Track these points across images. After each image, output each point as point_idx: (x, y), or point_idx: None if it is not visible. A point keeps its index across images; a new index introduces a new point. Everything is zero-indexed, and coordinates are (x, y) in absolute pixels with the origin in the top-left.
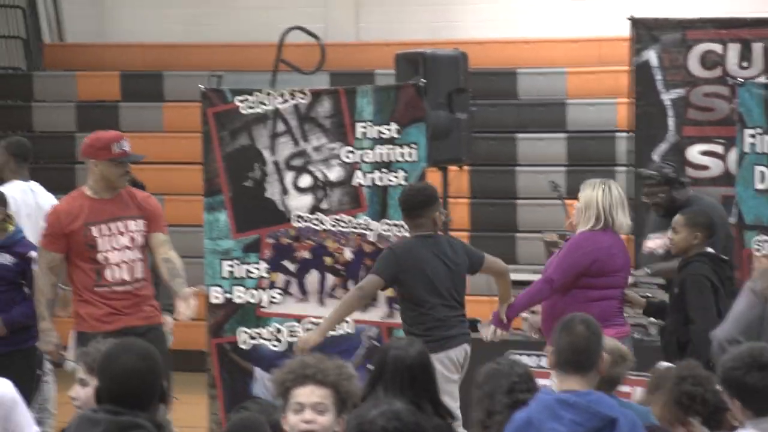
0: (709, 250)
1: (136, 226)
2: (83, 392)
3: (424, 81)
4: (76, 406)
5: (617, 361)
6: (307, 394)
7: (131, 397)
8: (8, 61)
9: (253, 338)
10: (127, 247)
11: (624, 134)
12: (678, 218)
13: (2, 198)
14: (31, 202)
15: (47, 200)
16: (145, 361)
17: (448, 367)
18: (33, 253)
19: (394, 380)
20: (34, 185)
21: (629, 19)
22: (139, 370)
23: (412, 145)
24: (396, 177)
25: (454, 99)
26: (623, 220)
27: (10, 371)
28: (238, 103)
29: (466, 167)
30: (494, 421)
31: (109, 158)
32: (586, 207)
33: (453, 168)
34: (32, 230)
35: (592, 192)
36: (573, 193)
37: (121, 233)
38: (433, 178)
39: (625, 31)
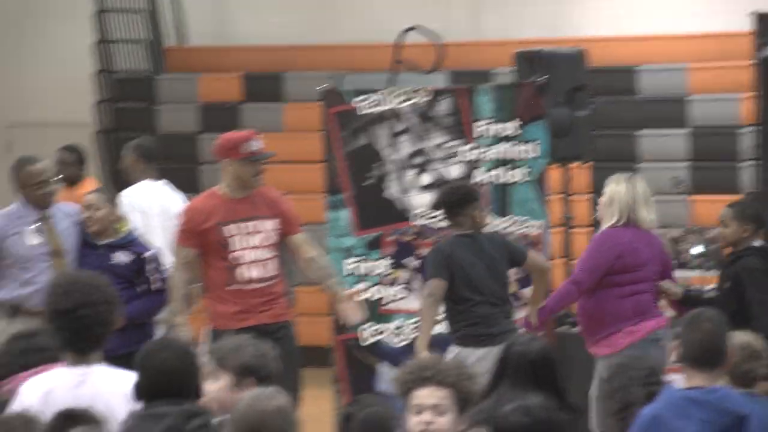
0: (759, 243)
1: (268, 225)
2: (213, 387)
3: (545, 78)
4: (205, 401)
5: (751, 356)
6: (426, 395)
7: (172, 393)
8: (132, 64)
9: (376, 334)
10: (260, 247)
11: (747, 129)
12: (727, 211)
13: (113, 199)
14: (160, 201)
15: (176, 199)
16: (183, 357)
17: (486, 364)
18: (148, 253)
19: (518, 376)
20: (163, 184)
21: (752, 13)
22: (178, 366)
23: (533, 143)
24: (517, 174)
25: (574, 96)
26: (646, 215)
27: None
28: (358, 103)
29: (587, 164)
30: (631, 412)
31: (240, 158)
32: (609, 202)
33: (574, 165)
34: (161, 229)
35: (616, 187)
36: (697, 189)
37: (255, 232)
38: (554, 174)
39: (747, 25)
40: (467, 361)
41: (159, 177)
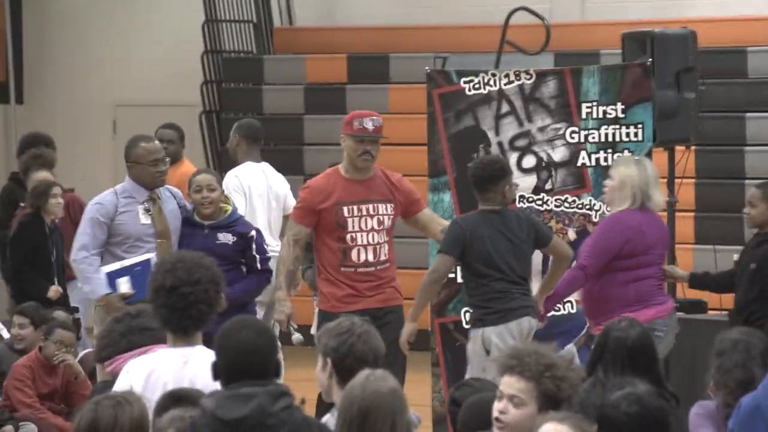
0: None
1: (385, 209)
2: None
3: (651, 60)
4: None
5: None
6: (507, 384)
7: (253, 370)
8: (240, 45)
9: None
10: (375, 230)
11: None
12: (754, 192)
13: (217, 179)
14: (262, 183)
15: (278, 181)
16: (262, 336)
17: (505, 340)
18: (252, 233)
19: (615, 362)
20: (265, 166)
21: None
22: (258, 345)
23: (638, 125)
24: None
25: (682, 78)
26: (659, 197)
27: None
28: (463, 85)
29: (692, 147)
30: (749, 390)
31: (350, 133)
32: (621, 186)
33: (679, 148)
34: (263, 211)
35: (626, 170)
36: None
37: (370, 215)
38: (659, 158)
39: None
40: (491, 340)
41: (261, 158)
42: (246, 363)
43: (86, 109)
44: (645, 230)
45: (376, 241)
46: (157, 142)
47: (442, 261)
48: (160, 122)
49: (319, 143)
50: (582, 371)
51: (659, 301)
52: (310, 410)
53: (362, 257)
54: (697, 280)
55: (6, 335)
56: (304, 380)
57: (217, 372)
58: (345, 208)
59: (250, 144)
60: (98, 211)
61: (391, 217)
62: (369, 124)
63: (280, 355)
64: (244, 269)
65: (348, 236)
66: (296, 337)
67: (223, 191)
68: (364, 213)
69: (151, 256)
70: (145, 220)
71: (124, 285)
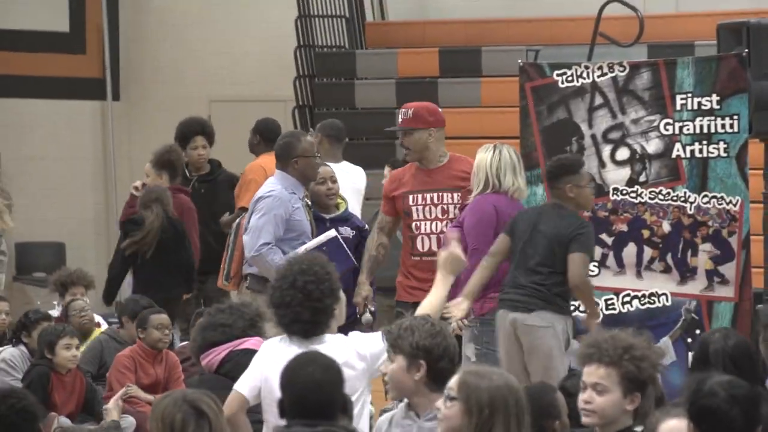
0: None
1: (450, 198)
2: (389, 368)
3: (747, 51)
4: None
5: None
6: (588, 373)
7: (319, 408)
8: (332, 40)
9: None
10: (439, 219)
11: None
12: None
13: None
14: (346, 181)
15: (360, 177)
16: (327, 372)
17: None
18: (366, 227)
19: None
20: (345, 165)
21: None
22: (323, 382)
23: (734, 117)
24: (716, 149)
25: None
26: (510, 183)
27: None
28: (556, 77)
29: None
30: None
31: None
32: (477, 171)
33: None
34: (356, 205)
35: (482, 155)
36: None
37: (434, 204)
38: (755, 149)
39: None
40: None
41: (348, 155)
42: (310, 400)
43: (182, 105)
44: (499, 213)
45: (439, 229)
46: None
47: (499, 240)
48: (254, 117)
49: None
50: (661, 350)
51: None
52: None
53: (426, 246)
54: None
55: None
56: None
57: (282, 408)
58: (411, 197)
59: (332, 143)
60: (281, 206)
61: (458, 206)
62: (399, 118)
63: None
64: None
65: (413, 224)
66: (366, 317)
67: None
68: (428, 202)
69: (333, 233)
70: (307, 216)
71: None
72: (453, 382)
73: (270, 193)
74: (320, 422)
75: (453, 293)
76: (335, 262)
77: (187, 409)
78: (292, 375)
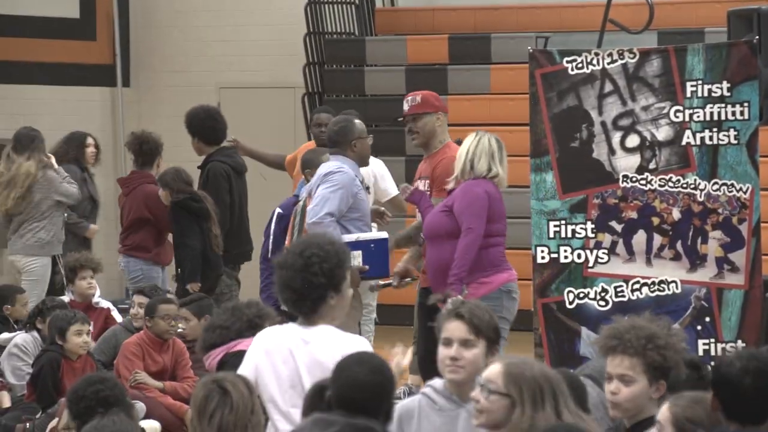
0: None
1: (422, 185)
2: (469, 353)
3: (758, 38)
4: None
5: None
6: (613, 364)
7: (359, 407)
8: (342, 26)
9: (579, 298)
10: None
11: None
12: None
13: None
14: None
15: (378, 166)
16: (374, 374)
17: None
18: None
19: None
20: None
21: None
22: (368, 383)
23: (744, 104)
24: (727, 136)
25: None
26: (484, 168)
27: None
28: (566, 64)
29: None
30: None
31: None
32: (458, 158)
33: None
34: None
35: (464, 142)
36: None
37: (428, 191)
38: (766, 136)
39: None
40: None
41: None
42: (353, 398)
43: (191, 92)
44: (490, 198)
45: None
46: None
47: None
48: (263, 104)
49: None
50: (682, 333)
51: (508, 266)
52: None
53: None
54: None
55: (118, 317)
56: None
57: (329, 403)
58: (415, 184)
59: None
60: (350, 184)
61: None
62: (405, 106)
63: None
64: None
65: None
66: (372, 284)
67: None
68: (423, 188)
69: (386, 235)
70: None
71: (358, 259)
72: (494, 374)
73: (341, 168)
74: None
75: (443, 278)
76: (373, 264)
77: (212, 386)
78: (340, 371)
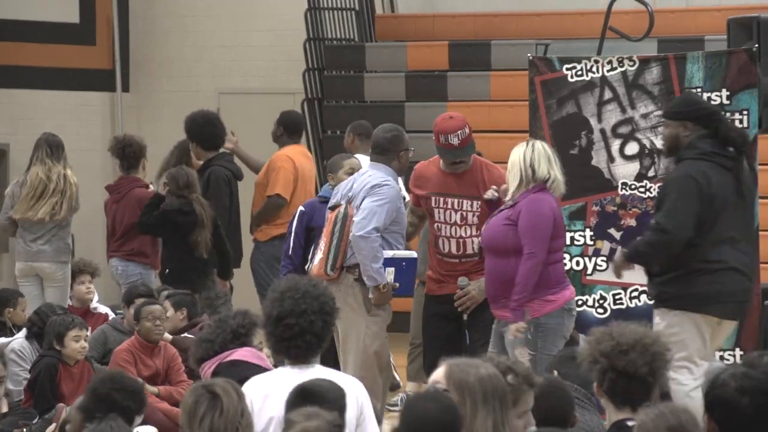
0: None
1: (470, 206)
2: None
3: (757, 46)
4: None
5: None
6: None
7: None
8: (342, 33)
9: (578, 305)
10: (458, 224)
11: None
12: None
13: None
14: None
15: None
16: (444, 413)
17: None
18: None
19: None
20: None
21: None
22: (438, 421)
23: (743, 112)
24: None
25: None
26: (545, 172)
27: None
28: (565, 71)
29: None
30: None
31: (438, 146)
32: (511, 167)
33: None
34: None
35: (515, 151)
36: None
37: (455, 210)
38: (765, 144)
39: None
40: None
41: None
42: None
43: (191, 97)
44: (556, 217)
45: (459, 234)
46: None
47: None
48: (263, 109)
49: (420, 130)
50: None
51: (568, 283)
52: None
53: (446, 248)
54: None
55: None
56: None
57: None
58: (434, 198)
59: (362, 140)
60: (396, 198)
61: (477, 213)
62: (455, 140)
63: None
64: None
65: (436, 225)
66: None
67: None
68: (449, 206)
69: (415, 255)
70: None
71: (390, 275)
72: (440, 376)
73: (387, 181)
74: None
75: (504, 292)
76: (403, 282)
77: (200, 392)
78: (410, 407)
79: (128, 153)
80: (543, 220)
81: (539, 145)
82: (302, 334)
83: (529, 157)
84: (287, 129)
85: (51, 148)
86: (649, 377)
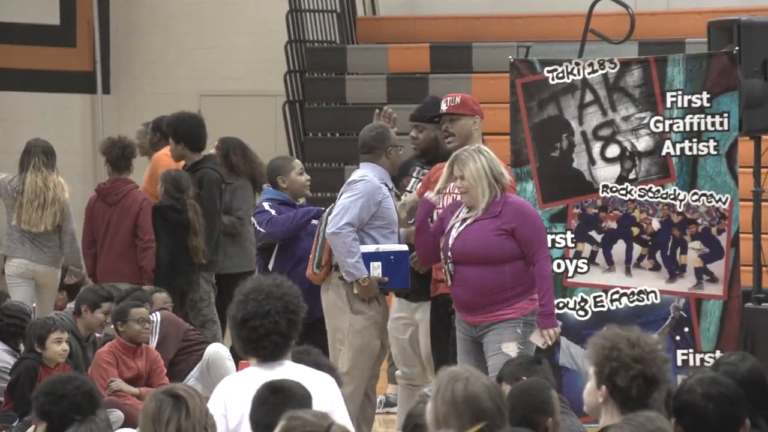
0: None
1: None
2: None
3: (737, 49)
4: None
5: None
6: None
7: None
8: (323, 35)
9: (559, 308)
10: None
11: None
12: None
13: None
14: None
15: None
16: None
17: None
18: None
19: None
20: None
21: None
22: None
23: (724, 114)
24: (706, 146)
25: None
26: (507, 175)
27: None
28: (546, 74)
29: None
30: None
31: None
32: (478, 180)
33: (765, 137)
34: None
35: (475, 165)
36: None
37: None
38: (745, 147)
39: None
40: None
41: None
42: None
43: (172, 99)
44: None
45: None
46: None
47: None
48: (244, 111)
49: (401, 133)
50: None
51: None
52: None
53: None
54: None
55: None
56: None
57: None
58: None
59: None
60: (373, 193)
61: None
62: (443, 106)
63: None
64: None
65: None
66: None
67: None
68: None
69: (406, 247)
70: (395, 205)
71: (377, 270)
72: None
73: (364, 177)
74: None
75: (492, 299)
76: (393, 276)
77: (161, 397)
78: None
79: (127, 154)
80: (540, 221)
81: (485, 150)
82: (268, 335)
83: (488, 166)
84: (162, 133)
85: (47, 156)
86: (667, 382)
